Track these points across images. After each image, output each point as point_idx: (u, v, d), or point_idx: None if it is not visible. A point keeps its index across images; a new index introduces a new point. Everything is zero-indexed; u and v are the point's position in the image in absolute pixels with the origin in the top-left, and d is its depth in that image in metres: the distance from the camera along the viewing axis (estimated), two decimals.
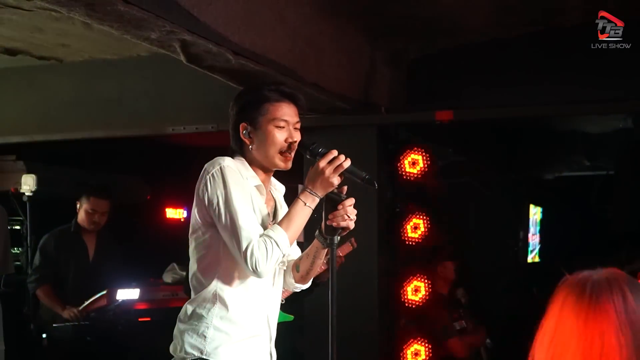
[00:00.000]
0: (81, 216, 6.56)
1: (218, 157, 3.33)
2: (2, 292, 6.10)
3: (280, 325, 3.65)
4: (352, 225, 3.29)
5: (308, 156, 3.37)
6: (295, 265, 3.58)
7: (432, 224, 6.45)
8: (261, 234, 3.21)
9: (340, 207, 3.25)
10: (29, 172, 6.88)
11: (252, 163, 3.42)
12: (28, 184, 6.49)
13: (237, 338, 3.32)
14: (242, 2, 4.45)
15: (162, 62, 6.09)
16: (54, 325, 6.24)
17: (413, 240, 6.43)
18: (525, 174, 10.12)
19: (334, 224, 3.25)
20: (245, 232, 3.18)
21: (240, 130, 3.40)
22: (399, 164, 6.40)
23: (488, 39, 6.15)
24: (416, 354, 6.40)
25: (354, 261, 5.47)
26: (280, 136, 3.36)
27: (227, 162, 3.30)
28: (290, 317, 5.65)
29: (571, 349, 1.93)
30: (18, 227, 7.29)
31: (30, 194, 6.55)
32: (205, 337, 3.31)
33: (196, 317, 3.34)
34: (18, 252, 7.26)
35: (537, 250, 11.40)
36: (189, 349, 3.30)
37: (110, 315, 6.16)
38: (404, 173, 6.39)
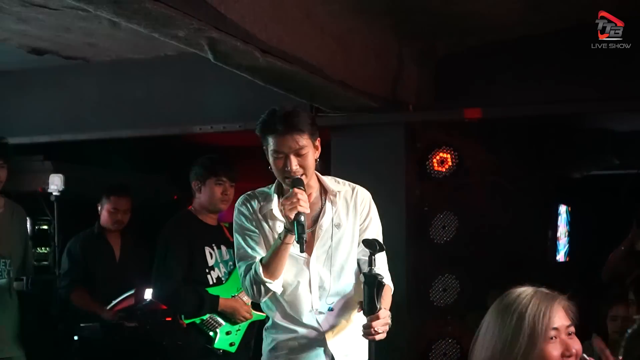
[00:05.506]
0: (104, 217, 6.59)
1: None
2: (28, 293, 6.10)
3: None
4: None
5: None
6: None
7: (460, 223, 6.41)
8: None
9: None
10: (56, 171, 6.89)
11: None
12: (55, 183, 6.50)
13: (282, 339, 3.83)
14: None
15: (189, 61, 6.09)
16: (81, 325, 6.25)
17: (441, 239, 6.38)
18: (554, 172, 10.04)
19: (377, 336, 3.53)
20: (239, 271, 3.78)
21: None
22: (427, 163, 6.36)
23: (517, 36, 6.10)
24: (445, 353, 6.36)
25: None
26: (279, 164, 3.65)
27: (238, 202, 3.84)
28: (263, 316, 5.69)
29: None
30: (46, 227, 7.31)
31: (58, 194, 6.56)
32: (264, 338, 3.94)
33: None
34: (46, 251, 7.29)
35: (566, 249, 11.32)
36: None
37: (139, 315, 6.16)
38: (432, 172, 6.35)
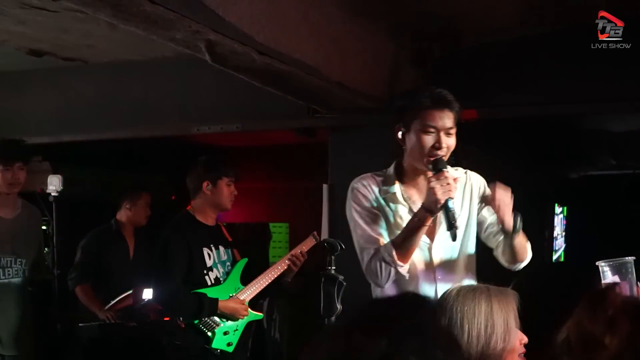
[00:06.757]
0: (125, 213, 6.68)
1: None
2: (29, 292, 6.13)
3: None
4: None
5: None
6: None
7: None
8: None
9: None
10: (54, 172, 6.89)
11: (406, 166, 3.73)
12: (54, 184, 6.49)
13: None
14: (267, 2, 4.45)
15: (187, 62, 6.13)
16: (80, 325, 6.27)
17: None
18: (550, 173, 10.05)
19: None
20: (361, 254, 3.60)
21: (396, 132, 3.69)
22: None
23: (513, 37, 6.10)
24: None
25: None
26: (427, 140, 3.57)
27: (354, 182, 3.73)
28: (260, 316, 5.73)
29: None
30: (44, 227, 7.33)
31: (56, 195, 6.55)
32: None
33: None
34: (44, 252, 7.31)
35: (562, 250, 11.34)
36: None
37: (137, 315, 6.18)
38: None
